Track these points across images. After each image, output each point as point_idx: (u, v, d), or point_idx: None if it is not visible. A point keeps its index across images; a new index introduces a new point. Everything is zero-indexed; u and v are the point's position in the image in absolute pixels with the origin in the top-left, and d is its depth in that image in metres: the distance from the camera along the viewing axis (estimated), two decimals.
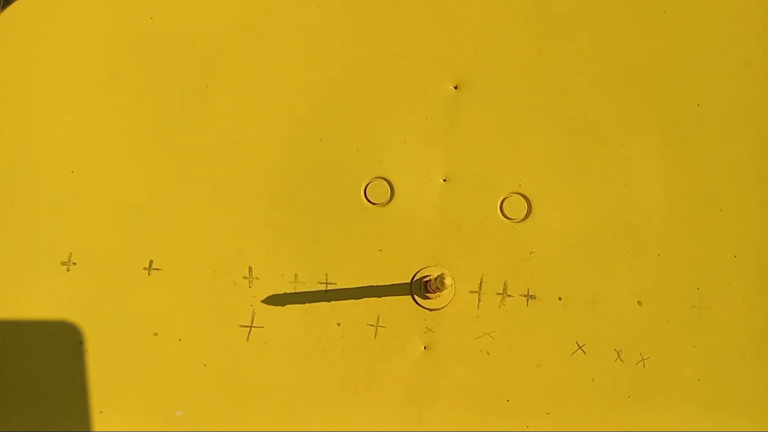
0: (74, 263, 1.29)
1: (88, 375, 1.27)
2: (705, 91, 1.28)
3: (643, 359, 1.25)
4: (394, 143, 1.32)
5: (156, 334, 1.29)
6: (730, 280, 1.25)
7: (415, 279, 1.29)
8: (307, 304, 1.30)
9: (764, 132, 1.26)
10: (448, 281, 1.09)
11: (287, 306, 1.30)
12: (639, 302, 1.26)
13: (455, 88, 1.32)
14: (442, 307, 1.29)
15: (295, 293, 1.30)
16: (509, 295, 1.28)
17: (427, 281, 1.27)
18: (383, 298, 1.29)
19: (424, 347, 1.28)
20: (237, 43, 1.34)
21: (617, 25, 1.33)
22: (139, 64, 1.34)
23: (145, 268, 1.30)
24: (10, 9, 1.35)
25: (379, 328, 1.29)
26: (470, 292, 1.29)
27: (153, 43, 1.34)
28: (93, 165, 1.31)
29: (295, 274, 1.30)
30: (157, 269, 1.30)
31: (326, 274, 1.30)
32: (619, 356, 1.25)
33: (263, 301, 1.30)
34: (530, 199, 1.30)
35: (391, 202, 1.31)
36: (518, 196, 1.30)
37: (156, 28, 1.34)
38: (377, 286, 1.29)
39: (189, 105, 1.33)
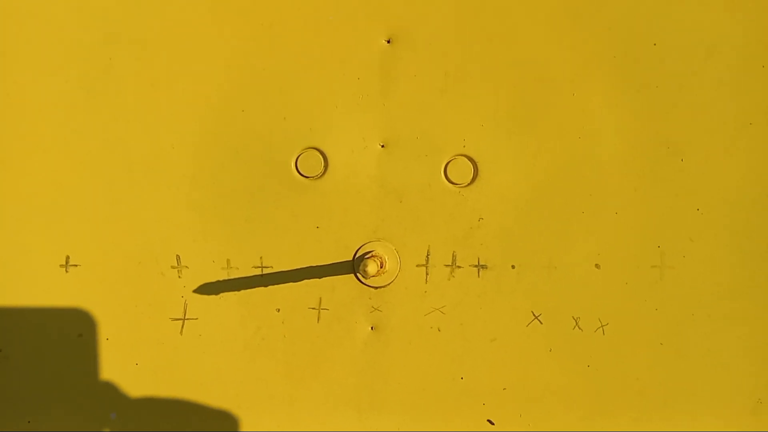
0: None
1: (10, 384, 1.19)
2: (661, 29, 1.14)
3: (602, 325, 1.17)
4: (325, 109, 1.19)
5: (81, 335, 1.20)
6: (692, 235, 1.16)
7: (357, 256, 1.19)
8: (242, 291, 1.21)
9: (728, 72, 1.14)
10: (371, 269, 0.99)
11: (221, 294, 1.21)
12: (597, 265, 1.17)
13: (388, 42, 1.18)
14: (388, 284, 1.20)
15: (228, 280, 1.20)
16: (459, 266, 1.19)
17: (371, 257, 1.17)
18: (324, 278, 1.20)
19: (371, 328, 1.20)
20: (140, 5, 1.19)
21: None
22: (29, 39, 1.19)
23: (61, 266, 1.20)
24: None
25: (321, 311, 1.20)
26: (417, 265, 1.20)
27: (44, 15, 1.18)
28: None
29: (227, 260, 1.20)
30: (75, 265, 1.20)
31: (261, 258, 1.20)
32: (577, 324, 1.18)
33: (195, 291, 1.21)
34: (476, 161, 1.18)
35: (326, 174, 1.20)
36: (463, 158, 1.19)
37: None
38: (317, 266, 1.20)
39: (92, 81, 1.19)
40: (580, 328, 1.18)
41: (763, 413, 1.15)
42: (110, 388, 1.20)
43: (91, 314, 1.20)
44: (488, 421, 1.19)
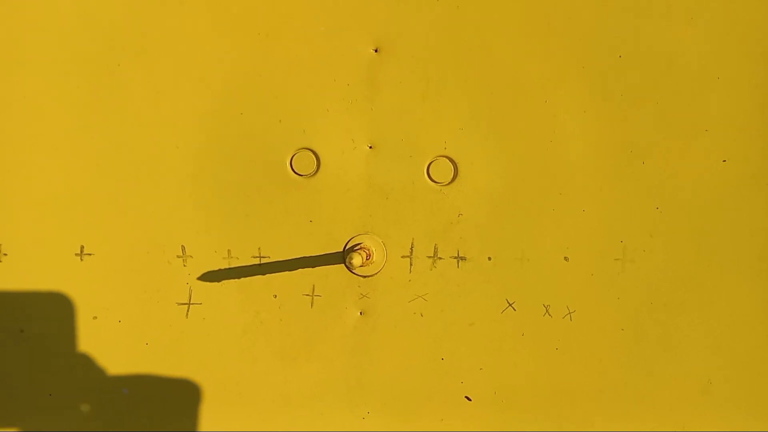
0: (5, 254, 1.29)
1: (32, 361, 1.31)
2: (626, 42, 1.24)
3: (570, 312, 1.28)
4: (317, 112, 1.29)
5: (95, 317, 1.32)
6: (652, 231, 1.26)
7: (346, 247, 1.30)
8: (242, 279, 1.32)
9: (686, 83, 1.24)
10: (356, 261, 1.10)
11: (223, 282, 1.32)
12: (565, 258, 1.28)
13: (375, 51, 1.28)
14: (375, 274, 1.31)
15: (229, 269, 1.31)
16: (440, 258, 1.30)
17: (358, 250, 1.28)
18: (317, 268, 1.31)
19: (360, 313, 1.31)
20: (144, 16, 1.28)
21: None
22: (42, 48, 1.28)
23: (77, 254, 1.31)
24: None
25: (315, 297, 1.32)
26: (402, 257, 1.31)
27: (55, 24, 1.28)
28: (10, 155, 1.29)
29: (228, 250, 1.31)
30: (89, 254, 1.31)
31: (259, 248, 1.31)
32: (547, 311, 1.29)
33: (199, 279, 1.31)
34: (456, 161, 1.29)
35: (318, 173, 1.30)
36: (444, 159, 1.29)
37: (56, 7, 1.28)
38: (310, 256, 1.31)
39: (100, 87, 1.29)
40: (549, 315, 1.29)
41: (713, 393, 1.27)
42: (122, 365, 1.32)
43: (104, 299, 1.31)
44: (466, 397, 1.31)
